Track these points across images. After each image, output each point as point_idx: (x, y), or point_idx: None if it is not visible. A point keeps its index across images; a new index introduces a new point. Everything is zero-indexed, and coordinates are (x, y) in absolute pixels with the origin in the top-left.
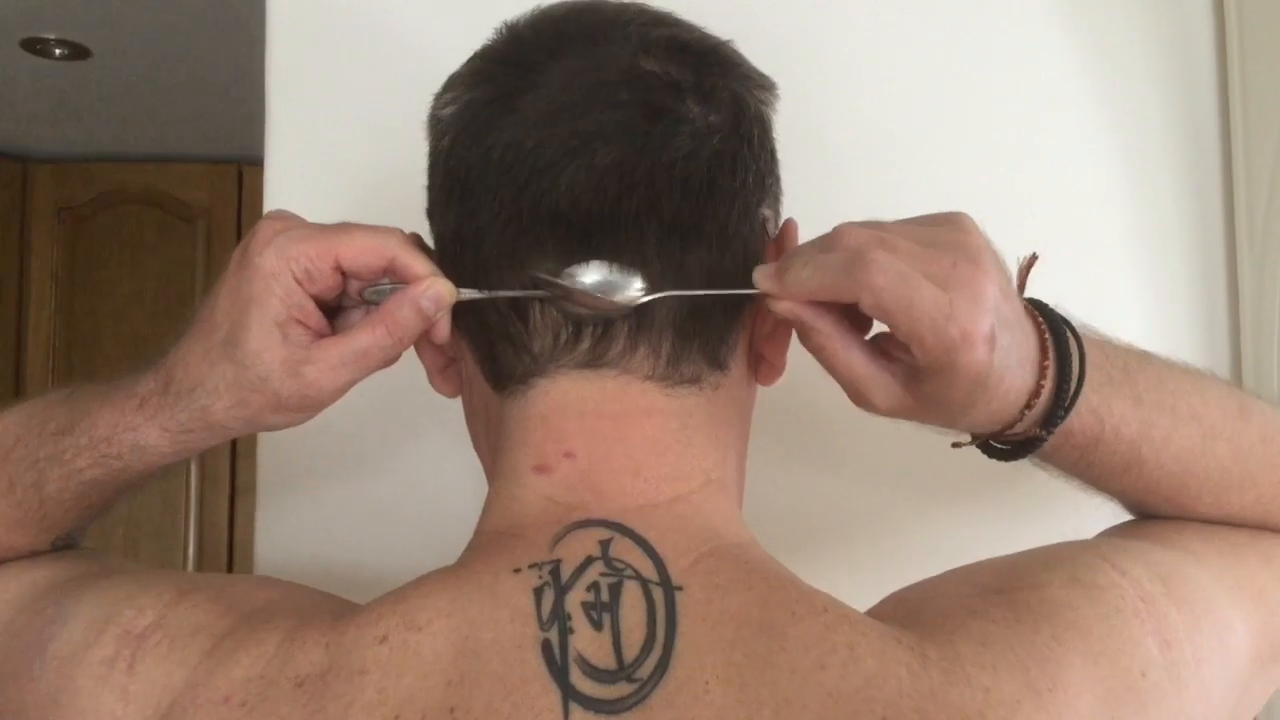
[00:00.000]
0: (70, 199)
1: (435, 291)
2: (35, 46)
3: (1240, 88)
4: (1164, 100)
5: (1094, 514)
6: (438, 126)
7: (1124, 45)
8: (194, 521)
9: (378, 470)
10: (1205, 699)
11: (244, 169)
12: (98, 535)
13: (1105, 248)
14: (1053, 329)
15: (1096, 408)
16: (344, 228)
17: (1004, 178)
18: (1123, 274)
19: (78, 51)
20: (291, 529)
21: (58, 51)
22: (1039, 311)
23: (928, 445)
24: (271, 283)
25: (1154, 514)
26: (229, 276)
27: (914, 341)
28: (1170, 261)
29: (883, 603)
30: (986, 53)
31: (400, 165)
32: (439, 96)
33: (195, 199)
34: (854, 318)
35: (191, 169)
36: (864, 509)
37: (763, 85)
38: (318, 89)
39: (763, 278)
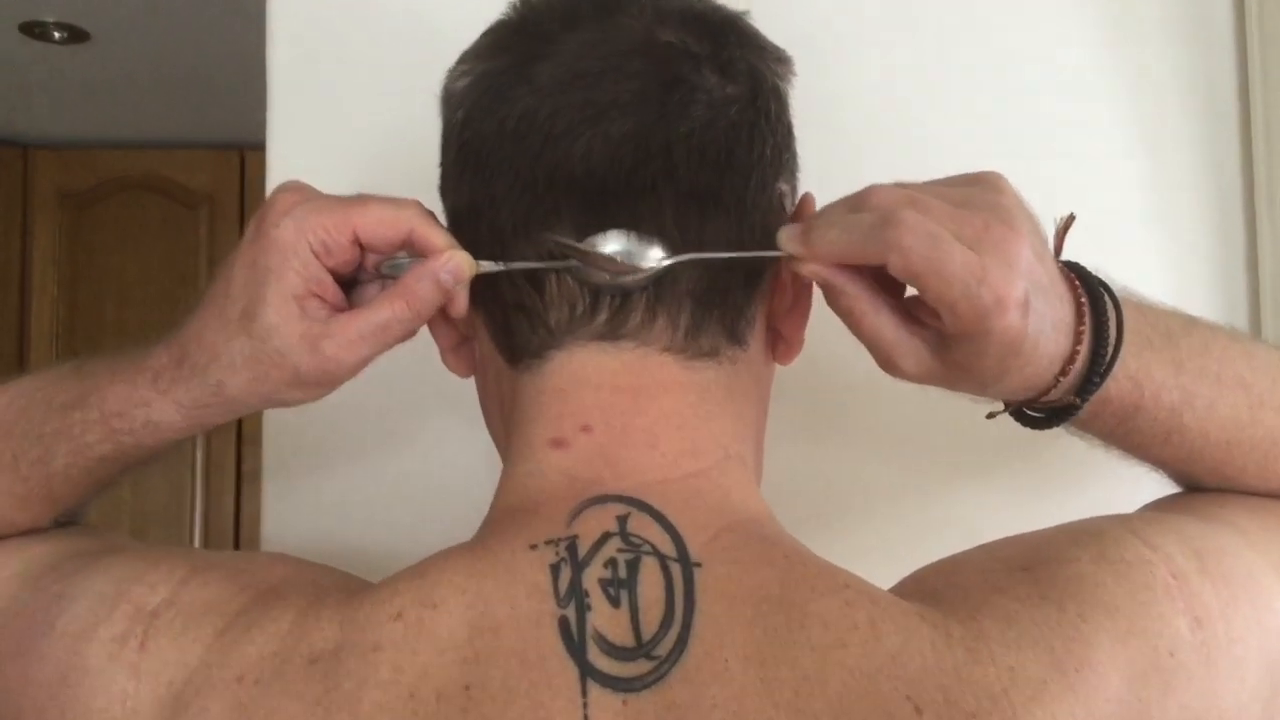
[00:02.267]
0: (72, 185)
1: (455, 264)
2: (34, 30)
3: (1260, 57)
4: (1183, 71)
5: (1128, 487)
6: (450, 100)
7: (1143, 14)
8: (200, 508)
9: (385, 453)
10: (1238, 678)
11: (246, 154)
12: (103, 524)
13: (1123, 221)
14: (1089, 292)
15: (1135, 373)
16: (361, 200)
17: (1020, 153)
18: (1141, 247)
19: (77, 34)
20: (298, 514)
21: (57, 35)
22: (1075, 274)
23: (949, 418)
24: (289, 255)
25: (1199, 485)
26: (244, 248)
27: (945, 306)
28: (1189, 234)
29: (905, 580)
30: (1003, 28)
31: (403, 149)
32: (452, 70)
33: (198, 185)
34: (883, 279)
35: (194, 154)
36: (884, 485)
37: (779, 59)
38: (319, 74)
39: (788, 239)
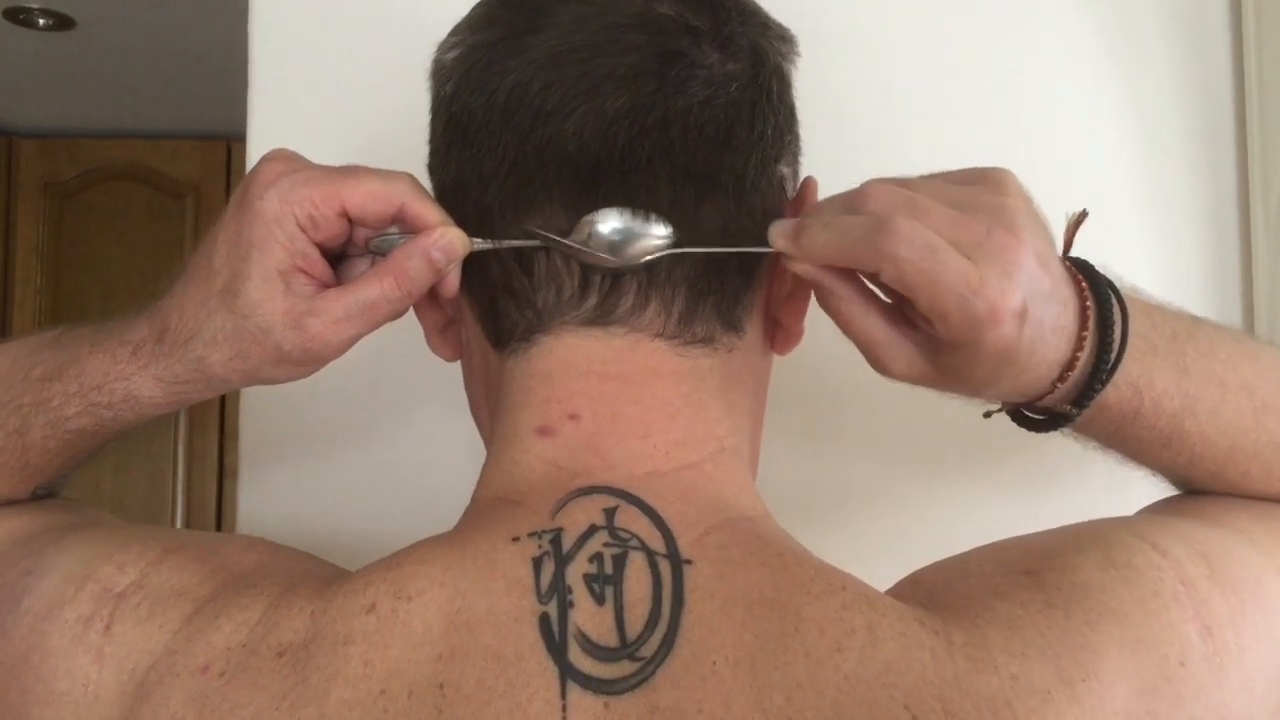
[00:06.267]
0: (56, 174)
1: (447, 241)
2: (18, 16)
3: (1255, 57)
4: (1178, 64)
5: (1126, 492)
6: (440, 72)
7: (1140, 14)
8: (181, 502)
9: (365, 440)
10: (1248, 689)
11: (232, 145)
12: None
13: (1119, 217)
14: (1096, 295)
15: (1136, 380)
16: (351, 171)
17: (1018, 143)
18: (1136, 244)
19: (62, 22)
20: (274, 503)
21: (42, 21)
22: (1084, 275)
23: (945, 419)
24: (274, 228)
25: (1199, 490)
26: (228, 220)
27: (937, 316)
28: (1184, 231)
29: (902, 582)
30: (1003, 18)
31: (385, 139)
32: (442, 43)
33: (183, 175)
34: (876, 278)
35: (179, 145)
36: (881, 484)
37: (782, 37)
38: (302, 64)
39: (779, 236)
